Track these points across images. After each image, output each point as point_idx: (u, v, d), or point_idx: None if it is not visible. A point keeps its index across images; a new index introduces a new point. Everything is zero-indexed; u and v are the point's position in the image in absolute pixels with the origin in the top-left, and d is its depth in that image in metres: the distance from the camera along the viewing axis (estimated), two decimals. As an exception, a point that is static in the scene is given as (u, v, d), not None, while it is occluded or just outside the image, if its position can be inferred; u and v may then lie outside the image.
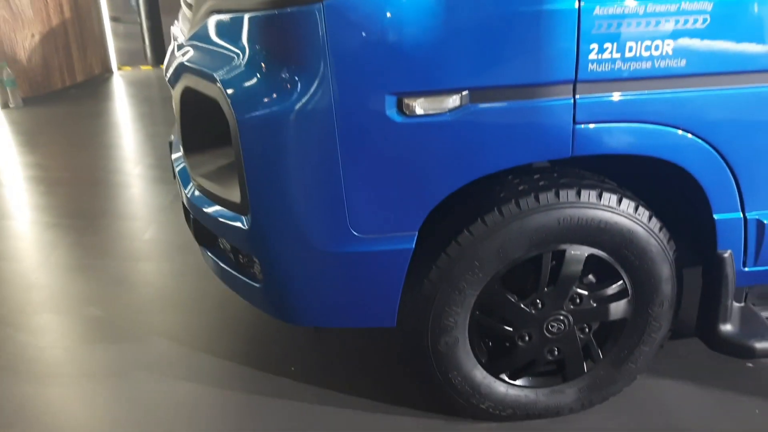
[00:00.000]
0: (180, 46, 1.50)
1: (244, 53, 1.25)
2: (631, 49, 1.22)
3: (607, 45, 1.21)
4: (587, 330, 1.53)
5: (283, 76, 1.22)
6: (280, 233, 1.34)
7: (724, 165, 1.35)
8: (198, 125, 1.55)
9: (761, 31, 1.25)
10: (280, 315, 1.48)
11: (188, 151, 1.58)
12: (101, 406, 1.70)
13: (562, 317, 1.48)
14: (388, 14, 1.16)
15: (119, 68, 5.39)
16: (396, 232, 1.34)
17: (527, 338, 1.49)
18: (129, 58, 5.63)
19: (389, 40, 1.18)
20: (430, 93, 1.22)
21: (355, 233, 1.32)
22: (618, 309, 1.50)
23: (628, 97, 1.27)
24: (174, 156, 1.74)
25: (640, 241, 1.43)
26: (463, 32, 1.18)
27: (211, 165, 1.53)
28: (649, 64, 1.24)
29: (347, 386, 1.74)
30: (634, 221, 1.41)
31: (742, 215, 1.42)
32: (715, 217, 1.41)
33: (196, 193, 1.54)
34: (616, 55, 1.22)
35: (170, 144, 1.85)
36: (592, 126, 1.28)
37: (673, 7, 1.19)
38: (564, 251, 1.42)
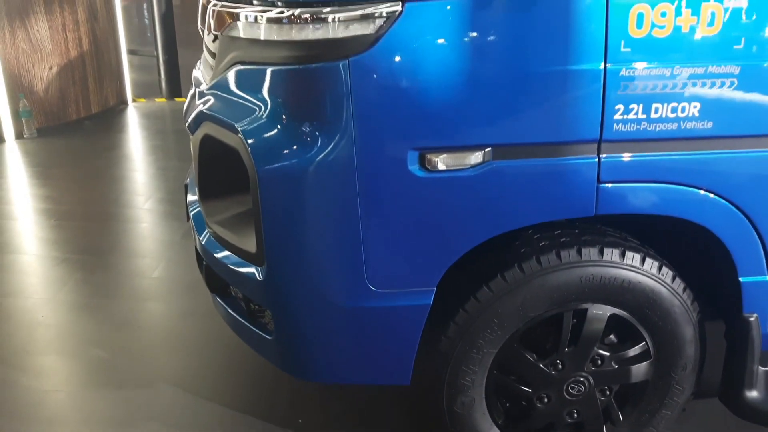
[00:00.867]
0: (201, 94, 1.50)
1: (266, 105, 1.25)
2: (656, 111, 1.21)
3: (633, 106, 1.20)
4: (608, 392, 1.48)
5: (305, 129, 1.21)
6: (295, 286, 1.32)
7: (751, 228, 1.32)
8: (215, 172, 1.54)
9: (788, 95, 1.24)
10: (291, 369, 1.44)
11: (204, 197, 1.56)
12: (103, 455, 1.65)
13: (582, 378, 1.43)
14: (413, 71, 1.16)
15: (134, 100, 5.45)
16: (414, 287, 1.31)
17: (546, 400, 1.45)
18: (144, 90, 5.70)
19: (413, 97, 1.17)
20: (453, 149, 1.20)
21: (372, 288, 1.29)
22: (640, 371, 1.45)
23: (653, 158, 1.25)
24: (189, 199, 1.73)
25: (664, 301, 1.39)
26: (487, 89, 1.17)
27: (227, 212, 1.51)
28: (674, 126, 1.22)
29: (356, 441, 1.68)
30: (657, 281, 1.38)
31: (768, 278, 1.38)
32: (741, 279, 1.37)
33: (211, 239, 1.52)
34: (642, 116, 1.21)
35: (185, 186, 1.84)
36: (616, 185, 1.26)
37: (700, 70, 1.19)
38: (585, 310, 1.39)
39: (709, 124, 1.22)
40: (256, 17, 1.23)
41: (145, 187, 3.68)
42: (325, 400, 1.84)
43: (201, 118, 1.43)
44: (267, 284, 1.33)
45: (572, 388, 1.43)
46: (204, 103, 1.44)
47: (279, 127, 1.23)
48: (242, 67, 1.31)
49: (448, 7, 1.14)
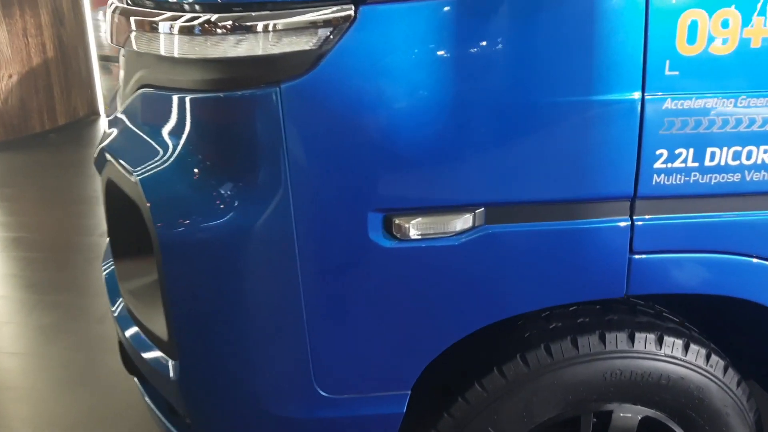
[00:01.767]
0: (111, 122, 1.16)
1: (173, 145, 0.90)
2: (713, 157, 0.87)
3: (681, 150, 0.86)
4: None
5: (223, 181, 0.87)
6: (217, 389, 0.97)
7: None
8: (132, 222, 1.20)
9: None
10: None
11: (118, 254, 1.22)
12: None
13: (604, 500, 1.09)
14: (372, 101, 0.82)
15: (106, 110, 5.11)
16: (381, 391, 0.97)
17: None
18: (119, 100, 5.35)
19: (373, 137, 0.83)
20: (431, 210, 0.86)
21: (323, 394, 0.95)
22: (680, 488, 1.11)
23: (707, 220, 0.91)
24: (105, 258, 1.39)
25: (713, 400, 1.05)
26: (479, 127, 0.84)
27: (144, 278, 1.17)
28: (737, 177, 0.88)
29: None
30: (705, 375, 1.04)
31: None
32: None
33: (124, 311, 1.18)
34: (693, 164, 0.87)
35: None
36: (654, 256, 0.92)
37: (776, 101, 0.85)
38: (610, 413, 1.05)
39: (786, 175, 0.89)
40: (163, 26, 0.89)
41: (106, 210, 3.33)
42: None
43: (102, 156, 1.09)
44: (181, 384, 0.99)
45: None
46: (108, 137, 1.10)
47: (188, 177, 0.89)
48: (148, 91, 0.97)
49: (422, 13, 0.80)
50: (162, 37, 0.88)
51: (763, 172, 0.88)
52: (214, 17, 0.83)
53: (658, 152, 0.86)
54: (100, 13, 4.92)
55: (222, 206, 0.87)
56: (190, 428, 1.11)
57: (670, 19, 0.82)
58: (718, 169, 0.88)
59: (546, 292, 0.93)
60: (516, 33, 0.82)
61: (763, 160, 0.87)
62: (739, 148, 0.87)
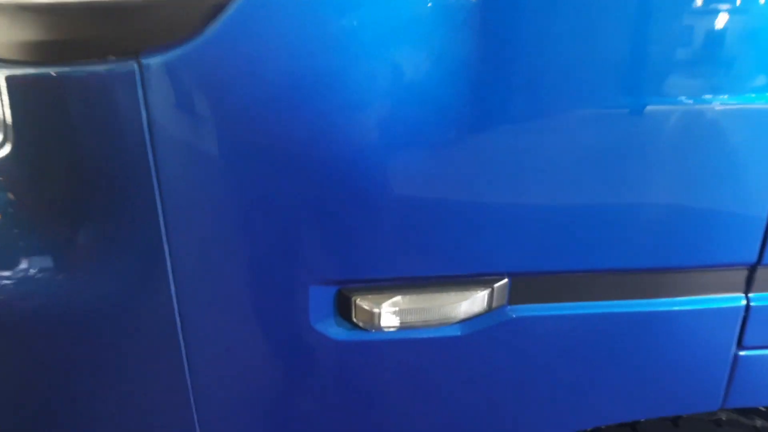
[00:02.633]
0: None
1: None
2: None
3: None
4: None
5: (49, 216, 0.50)
6: None
7: None
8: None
9: None
10: None
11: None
12: None
13: None
14: (306, 85, 0.45)
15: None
16: None
17: None
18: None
19: (314, 153, 0.47)
20: (414, 285, 0.51)
21: None
22: None
23: None
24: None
25: None
26: (494, 150, 0.48)
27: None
28: None
29: None
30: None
31: None
32: None
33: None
34: None
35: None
36: (770, 352, 0.58)
37: None
38: None
39: None
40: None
41: None
42: None
43: None
44: None
45: None
46: None
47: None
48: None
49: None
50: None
51: None
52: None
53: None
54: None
55: (47, 253, 0.50)
56: None
57: None
58: None
59: (596, 408, 0.58)
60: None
61: None
62: None
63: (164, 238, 0.47)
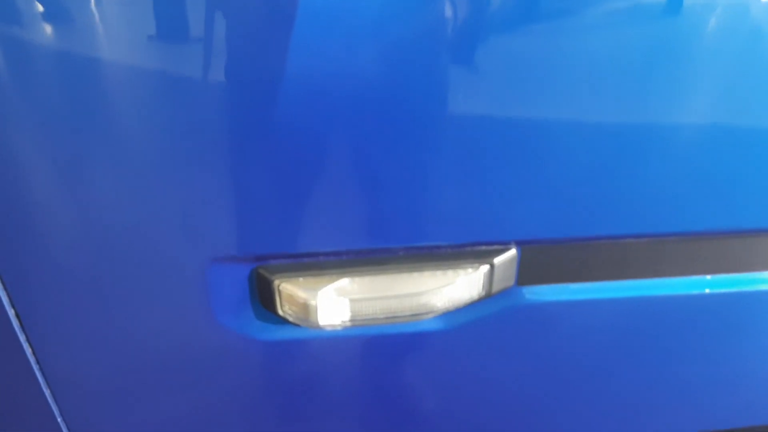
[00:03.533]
0: None
1: None
2: None
3: None
4: None
5: None
6: None
7: None
8: None
9: None
10: None
11: None
12: None
13: None
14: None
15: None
16: None
17: None
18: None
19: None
20: (370, 259, 0.34)
21: None
22: None
23: None
24: None
25: None
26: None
27: None
28: None
29: None
30: None
31: None
32: None
33: None
34: None
35: None
36: None
37: None
38: None
39: None
40: None
41: None
42: None
43: None
44: None
45: None
46: None
47: None
48: None
49: None
50: None
51: None
52: None
53: None
54: None
55: None
56: None
57: None
58: None
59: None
60: None
61: None
62: None
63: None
